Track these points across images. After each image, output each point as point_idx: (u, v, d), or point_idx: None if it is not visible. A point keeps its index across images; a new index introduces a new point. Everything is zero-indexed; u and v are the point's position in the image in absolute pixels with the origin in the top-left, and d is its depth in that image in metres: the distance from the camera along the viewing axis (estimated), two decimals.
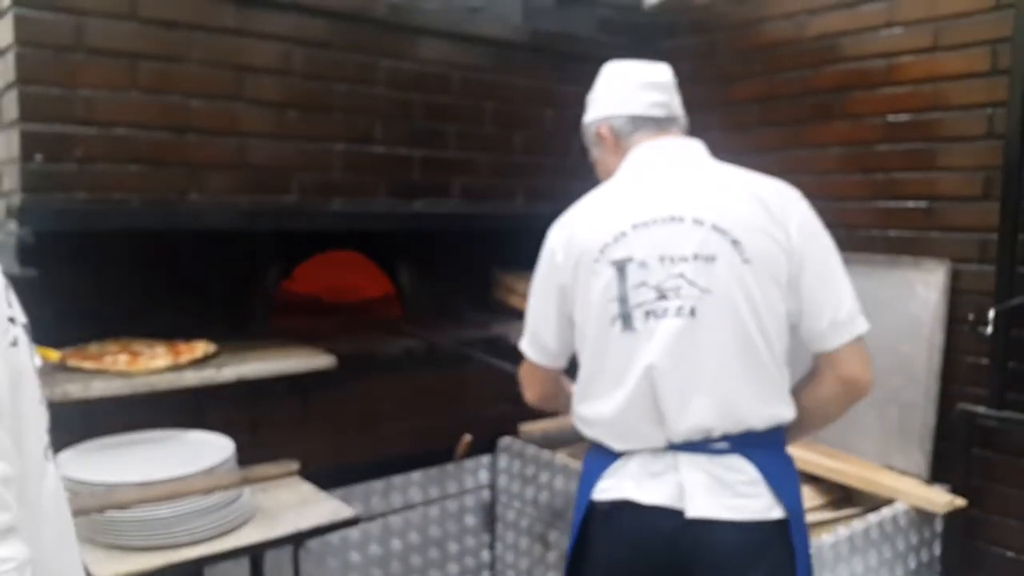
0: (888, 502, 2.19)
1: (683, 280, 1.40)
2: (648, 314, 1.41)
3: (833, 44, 2.58)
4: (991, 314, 2.18)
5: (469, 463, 2.66)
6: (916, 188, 2.41)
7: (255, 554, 1.83)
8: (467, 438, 2.55)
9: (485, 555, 2.73)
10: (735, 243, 1.39)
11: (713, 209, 1.42)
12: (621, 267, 1.44)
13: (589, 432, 1.54)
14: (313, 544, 2.21)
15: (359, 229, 2.59)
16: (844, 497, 2.39)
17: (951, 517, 2.23)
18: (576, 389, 1.57)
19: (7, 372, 0.74)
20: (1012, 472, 2.25)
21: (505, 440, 2.68)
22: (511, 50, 2.78)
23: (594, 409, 1.50)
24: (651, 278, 1.41)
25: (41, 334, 0.87)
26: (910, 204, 2.43)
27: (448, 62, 2.64)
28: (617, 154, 1.60)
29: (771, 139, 2.72)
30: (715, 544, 1.38)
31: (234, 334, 2.38)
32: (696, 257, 1.40)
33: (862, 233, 2.51)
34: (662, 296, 1.41)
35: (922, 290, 2.34)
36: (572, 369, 1.61)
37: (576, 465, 2.43)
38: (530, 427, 2.73)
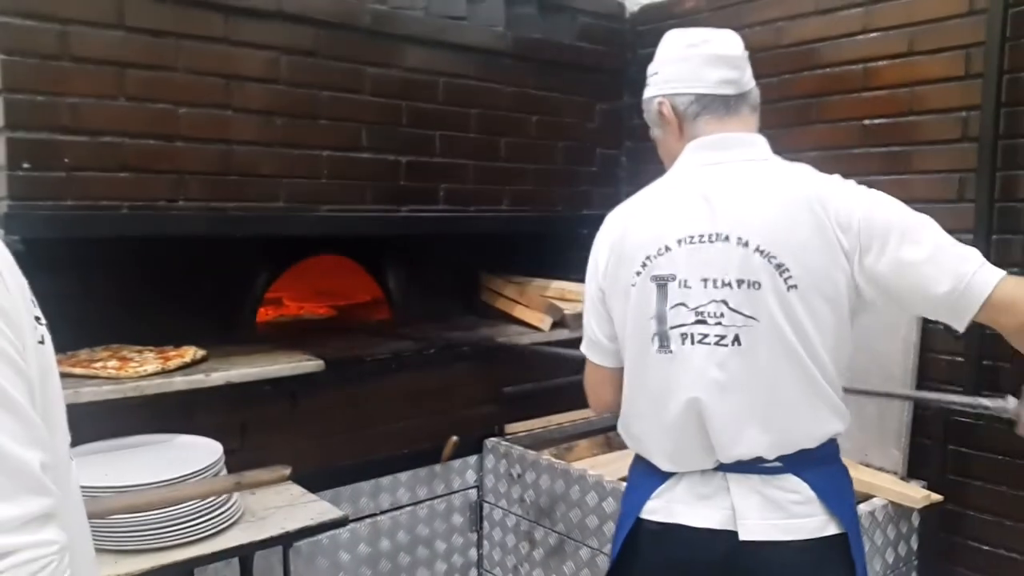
0: (866, 498, 2.23)
1: (725, 307, 1.34)
2: (684, 337, 1.36)
3: (810, 50, 2.63)
4: None
5: (456, 464, 2.69)
6: (892, 191, 2.41)
7: (244, 555, 1.85)
8: (454, 439, 2.59)
9: (472, 553, 2.76)
10: (779, 268, 1.31)
11: (760, 228, 1.33)
12: (662, 284, 1.38)
13: (637, 448, 1.50)
14: (303, 545, 2.24)
15: (346, 234, 2.63)
16: None
17: (928, 512, 2.28)
18: (623, 401, 1.51)
19: (37, 368, 0.76)
20: (987, 468, 2.30)
21: (491, 441, 2.72)
22: (495, 57, 2.83)
23: (640, 428, 1.46)
24: (691, 300, 1.36)
25: None
26: None
27: (433, 69, 2.68)
28: (680, 138, 1.48)
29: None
30: (769, 566, 1.35)
31: (223, 339, 2.42)
32: (740, 283, 1.33)
33: None
34: (701, 320, 1.35)
35: None
36: None
37: (561, 464, 2.47)
38: (516, 428, 2.77)
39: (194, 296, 2.46)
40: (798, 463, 1.36)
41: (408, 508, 2.58)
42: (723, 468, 1.38)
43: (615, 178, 3.22)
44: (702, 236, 1.36)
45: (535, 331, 2.82)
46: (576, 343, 2.91)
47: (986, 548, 2.30)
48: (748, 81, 1.48)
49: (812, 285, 1.32)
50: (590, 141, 3.10)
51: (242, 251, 2.52)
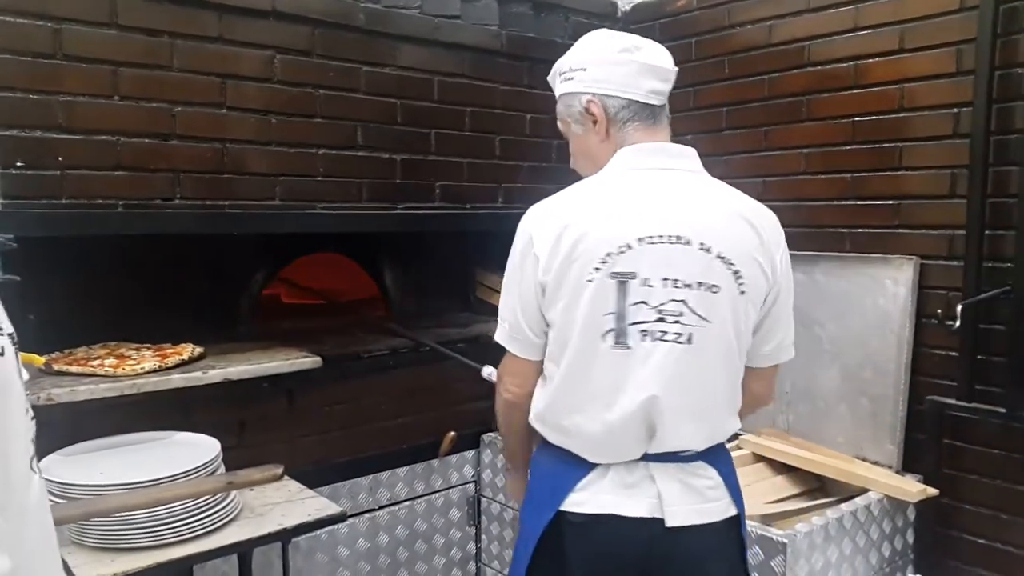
0: (861, 492, 2.24)
1: (685, 307, 1.38)
2: (644, 334, 1.38)
3: (801, 48, 2.65)
4: (959, 308, 2.24)
5: (454, 459, 2.71)
6: (884, 187, 2.48)
7: (243, 551, 1.86)
8: (451, 434, 2.59)
9: (471, 547, 2.78)
10: (736, 274, 1.39)
11: (717, 235, 1.40)
12: (623, 282, 1.38)
13: (562, 441, 1.48)
14: (301, 540, 2.25)
15: (342, 232, 2.63)
16: (818, 487, 2.45)
17: (923, 506, 2.29)
18: (547, 396, 1.49)
19: None
20: (981, 462, 2.31)
21: (489, 436, 2.73)
22: (489, 56, 2.84)
23: (574, 422, 1.45)
24: (652, 299, 1.37)
25: (25, 340, 0.88)
26: (878, 203, 2.49)
27: (427, 68, 2.69)
28: (605, 141, 1.49)
29: (741, 142, 2.79)
30: (689, 548, 1.43)
31: (221, 337, 2.42)
32: (700, 285, 1.38)
33: (831, 231, 2.58)
34: (661, 318, 1.38)
35: (891, 286, 2.41)
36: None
37: None
38: None
39: (191, 294, 2.46)
40: (710, 452, 1.47)
41: (406, 503, 2.59)
42: (647, 458, 1.43)
43: None
44: (662, 237, 1.38)
45: None
46: None
47: (982, 542, 2.32)
48: (667, 95, 1.54)
49: (753, 295, 1.43)
50: None
51: (238, 249, 2.52)
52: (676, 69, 1.51)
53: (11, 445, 0.79)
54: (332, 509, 1.93)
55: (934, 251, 2.37)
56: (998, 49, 2.20)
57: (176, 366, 2.09)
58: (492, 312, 2.98)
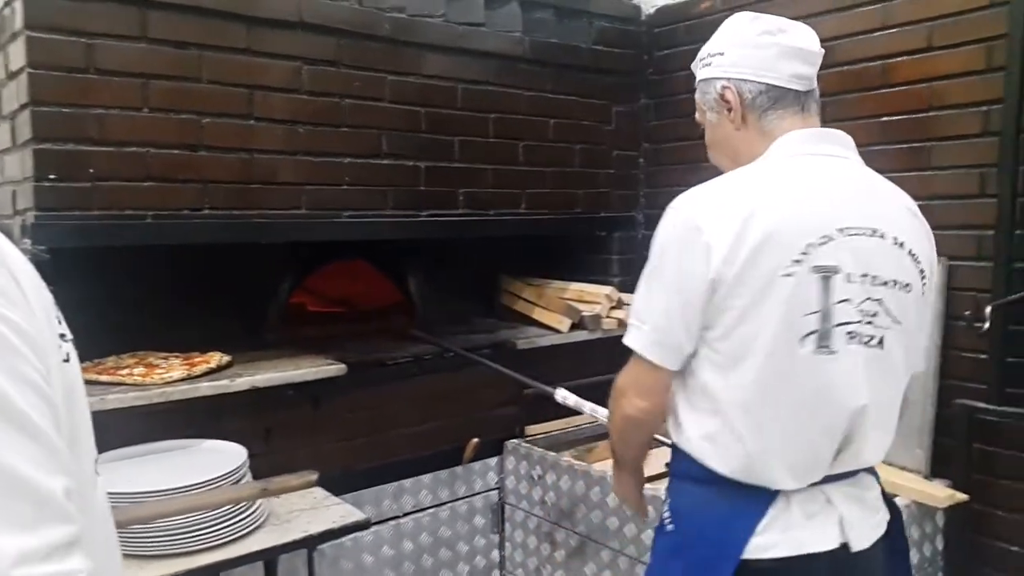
0: (893, 496, 2.21)
1: (880, 307, 1.27)
2: (851, 336, 1.25)
3: (828, 48, 2.59)
4: (988, 310, 2.20)
5: (477, 465, 2.71)
6: (912, 187, 2.38)
7: (269, 559, 1.88)
8: (475, 441, 2.60)
9: (495, 555, 2.78)
10: (922, 273, 1.31)
11: (904, 230, 1.30)
12: (827, 277, 1.24)
13: (744, 468, 1.27)
14: (327, 548, 2.27)
15: (368, 240, 2.66)
16: None
17: (953, 512, 2.26)
18: (719, 415, 1.29)
19: (62, 387, 0.76)
20: (1013, 466, 2.27)
21: (512, 442, 2.73)
22: (512, 62, 2.85)
23: (765, 444, 1.26)
24: (855, 297, 1.25)
25: None
26: None
27: (451, 76, 2.70)
28: (742, 129, 1.38)
29: None
30: (871, 564, 1.33)
31: (248, 345, 2.46)
32: (895, 284, 1.28)
33: None
34: (862, 320, 1.26)
35: None
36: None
37: (581, 466, 2.47)
38: (536, 429, 2.78)
39: (219, 303, 2.50)
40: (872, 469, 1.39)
41: (430, 510, 2.60)
42: (825, 480, 1.29)
43: (633, 180, 3.22)
44: (860, 229, 1.27)
45: (554, 333, 2.83)
46: (595, 345, 2.90)
47: (1015, 549, 2.27)
48: (815, 79, 1.42)
49: (930, 296, 1.37)
50: (607, 143, 3.11)
51: (265, 258, 2.56)
52: (822, 51, 1.40)
53: (82, 446, 0.83)
54: (357, 516, 1.95)
55: (963, 252, 2.33)
56: None
57: (204, 374, 2.12)
58: (516, 318, 3.02)
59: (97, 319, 2.16)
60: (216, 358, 2.21)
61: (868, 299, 1.26)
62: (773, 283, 1.22)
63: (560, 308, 2.86)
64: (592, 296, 2.87)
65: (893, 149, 2.47)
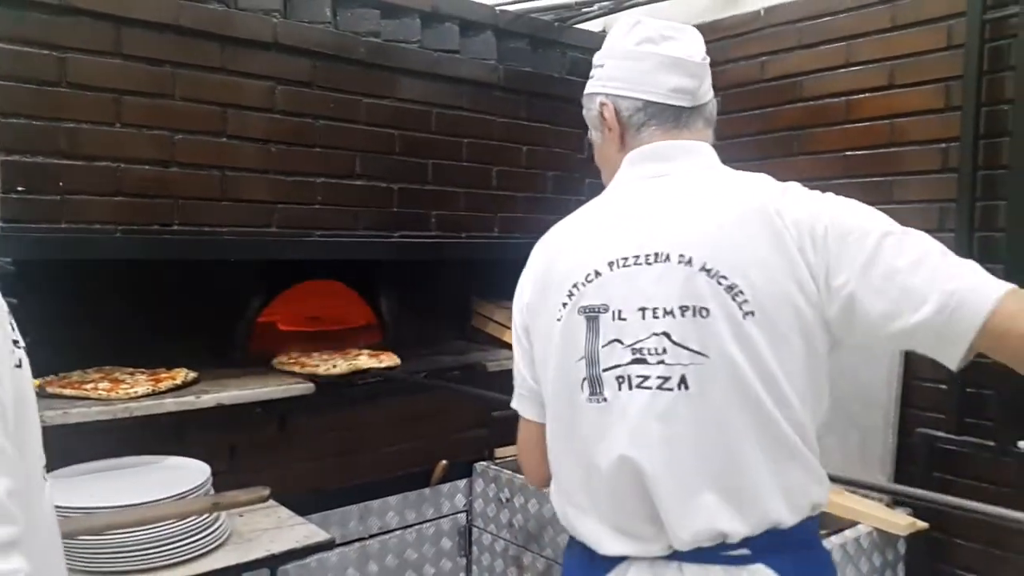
0: (851, 524, 2.24)
1: (668, 341, 1.09)
2: (621, 381, 1.12)
3: (793, 83, 2.69)
4: None
5: (445, 487, 2.71)
6: None
7: None
8: (443, 463, 2.60)
9: None
10: (731, 290, 1.08)
11: (706, 243, 1.11)
12: (593, 317, 1.14)
13: (578, 526, 1.20)
14: (291, 568, 2.24)
15: (339, 259, 2.66)
16: None
17: (914, 539, 2.29)
18: (552, 467, 1.25)
19: (12, 391, 0.77)
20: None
21: (481, 464, 2.73)
22: (487, 89, 2.89)
23: (580, 500, 1.18)
24: (627, 335, 1.12)
25: None
26: None
27: (426, 100, 2.74)
28: (622, 148, 1.27)
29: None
30: None
31: (217, 362, 2.44)
32: (684, 311, 1.09)
33: None
34: (639, 359, 1.11)
35: None
36: None
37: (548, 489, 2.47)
38: (506, 452, 2.78)
39: (188, 320, 2.47)
40: (771, 547, 1.10)
41: (397, 532, 2.58)
42: (677, 556, 1.11)
43: None
44: (637, 257, 1.14)
45: None
46: None
47: None
48: (706, 92, 1.27)
49: (774, 311, 1.08)
50: (579, 171, 3.15)
51: (236, 276, 2.54)
52: (705, 61, 1.26)
53: (30, 451, 0.83)
54: (321, 536, 1.93)
55: None
56: (983, 86, 2.24)
57: (169, 390, 2.10)
58: (488, 341, 3.02)
59: (65, 333, 2.15)
60: (182, 375, 2.19)
61: (652, 335, 1.10)
62: (551, 329, 1.19)
63: None
64: None
65: (857, 183, 2.53)
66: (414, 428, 2.61)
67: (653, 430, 1.09)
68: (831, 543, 2.11)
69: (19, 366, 0.81)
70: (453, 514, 2.73)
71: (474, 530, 2.74)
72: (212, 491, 1.88)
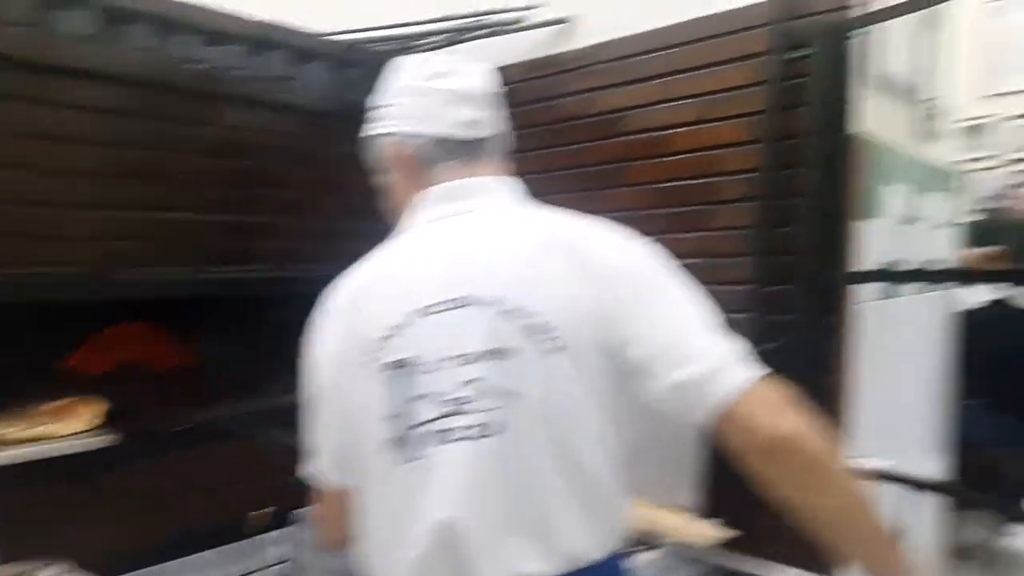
0: (660, 539, 2.28)
1: (478, 387, 1.08)
2: (431, 438, 1.09)
3: (619, 118, 2.79)
4: None
5: (270, 536, 2.58)
6: (689, 247, 2.59)
7: None
8: (266, 510, 2.48)
9: None
10: (535, 328, 1.08)
11: (507, 282, 1.11)
12: (396, 374, 1.11)
13: None
14: None
15: (153, 298, 2.52)
16: None
17: (726, 549, 2.34)
18: (361, 534, 1.22)
19: None
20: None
21: (305, 510, 2.62)
22: (321, 118, 2.82)
23: (385, 570, 1.15)
24: (437, 388, 1.09)
25: None
26: (687, 262, 2.61)
27: (254, 128, 2.65)
28: (415, 186, 1.26)
29: (560, 207, 2.87)
30: None
31: (10, 412, 2.23)
32: (491, 354, 1.08)
33: None
34: (451, 412, 1.09)
35: None
36: None
37: None
38: None
39: None
40: None
41: None
42: None
43: None
44: (439, 305, 1.12)
45: None
46: None
47: None
48: (495, 122, 1.28)
49: (583, 346, 1.09)
50: None
51: (36, 320, 2.36)
52: (488, 91, 1.26)
53: None
54: None
55: (735, 307, 2.47)
56: (783, 120, 2.37)
57: None
58: None
59: None
60: None
61: (462, 383, 1.08)
62: (353, 388, 1.15)
63: None
64: None
65: (674, 212, 2.64)
66: (235, 475, 2.48)
67: (466, 482, 1.07)
68: (639, 560, 2.13)
69: None
70: (278, 564, 2.59)
71: None
72: None
